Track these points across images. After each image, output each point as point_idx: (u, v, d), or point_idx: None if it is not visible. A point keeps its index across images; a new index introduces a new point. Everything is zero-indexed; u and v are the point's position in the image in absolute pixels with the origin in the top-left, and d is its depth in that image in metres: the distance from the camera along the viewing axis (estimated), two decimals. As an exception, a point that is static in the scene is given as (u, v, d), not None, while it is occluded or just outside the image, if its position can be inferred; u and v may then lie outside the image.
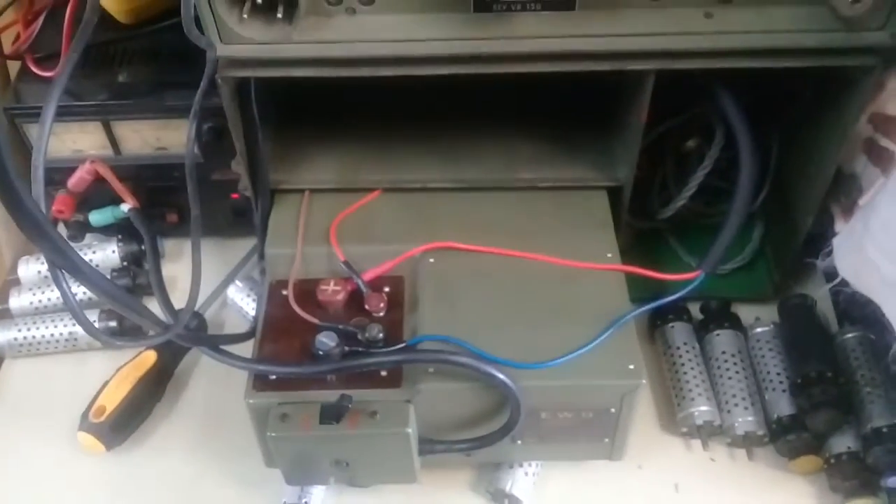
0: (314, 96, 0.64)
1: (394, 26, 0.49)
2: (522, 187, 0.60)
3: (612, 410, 0.51)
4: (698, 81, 0.55)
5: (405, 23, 0.49)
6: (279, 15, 0.48)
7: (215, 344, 0.51)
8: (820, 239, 0.59)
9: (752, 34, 0.49)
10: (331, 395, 0.49)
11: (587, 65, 0.51)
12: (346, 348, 0.50)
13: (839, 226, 0.58)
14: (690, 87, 0.56)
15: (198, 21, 0.48)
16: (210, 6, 0.48)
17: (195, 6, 0.47)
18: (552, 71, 0.51)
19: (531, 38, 0.50)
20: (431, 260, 0.56)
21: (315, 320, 0.52)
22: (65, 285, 0.39)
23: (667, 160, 0.64)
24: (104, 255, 0.69)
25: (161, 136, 0.64)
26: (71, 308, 0.40)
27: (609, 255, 0.56)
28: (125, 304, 0.42)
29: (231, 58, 0.50)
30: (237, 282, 0.68)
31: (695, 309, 0.63)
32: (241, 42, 0.49)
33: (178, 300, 0.59)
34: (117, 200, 0.66)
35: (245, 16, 0.48)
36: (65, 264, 0.37)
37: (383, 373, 0.50)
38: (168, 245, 0.71)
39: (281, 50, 0.50)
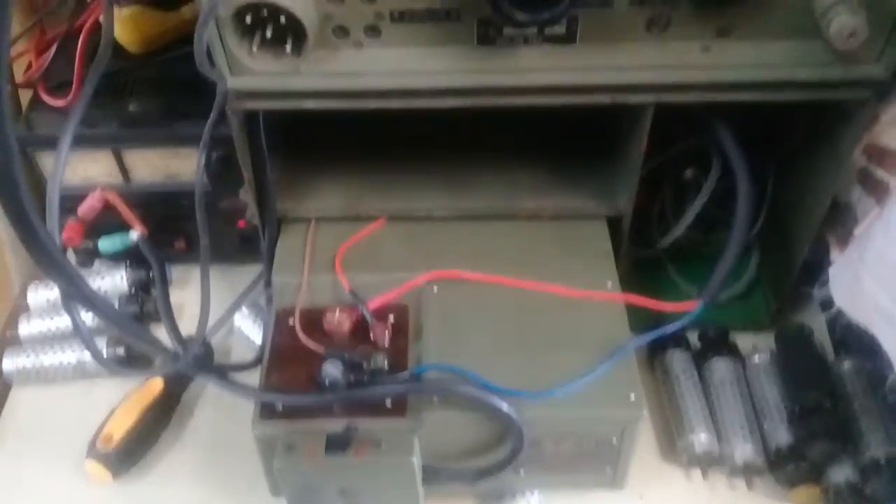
0: (320, 126, 0.65)
1: (399, 59, 0.51)
2: (524, 216, 0.61)
3: (614, 440, 0.51)
4: (695, 113, 0.56)
5: (411, 56, 0.51)
6: (288, 48, 0.49)
7: (223, 373, 0.52)
8: (816, 267, 0.60)
9: (748, 68, 0.50)
10: (336, 424, 0.50)
11: (588, 98, 0.52)
12: (352, 377, 0.51)
13: (835, 255, 0.59)
14: (688, 117, 0.57)
15: (209, 54, 0.50)
16: (221, 40, 0.49)
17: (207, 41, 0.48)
18: (554, 104, 0.52)
19: (533, 71, 0.51)
20: (435, 289, 0.57)
21: (321, 349, 0.53)
22: (78, 318, 0.40)
23: (665, 190, 0.65)
24: (112, 281, 0.70)
25: (170, 165, 0.66)
26: (85, 340, 0.41)
27: (609, 284, 0.57)
28: (138, 336, 0.43)
29: (241, 90, 0.51)
30: (243, 308, 0.68)
31: (693, 336, 0.64)
32: (250, 74, 0.51)
33: (185, 326, 0.60)
34: (126, 227, 0.67)
35: (255, 49, 0.49)
36: (79, 297, 0.38)
37: (388, 402, 0.51)
38: (175, 271, 0.72)
39: (289, 82, 0.51)
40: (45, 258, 0.35)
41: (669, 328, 0.55)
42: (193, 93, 0.64)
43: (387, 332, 0.54)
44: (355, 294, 0.56)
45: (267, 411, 0.51)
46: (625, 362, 0.52)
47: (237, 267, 0.72)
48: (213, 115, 0.52)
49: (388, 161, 0.64)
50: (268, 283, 0.59)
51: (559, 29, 0.50)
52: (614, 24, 0.49)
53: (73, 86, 0.63)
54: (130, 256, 0.70)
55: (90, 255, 0.69)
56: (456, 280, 0.57)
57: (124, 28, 0.65)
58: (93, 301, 0.38)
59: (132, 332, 0.42)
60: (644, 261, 0.67)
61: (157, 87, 0.67)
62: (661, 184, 0.65)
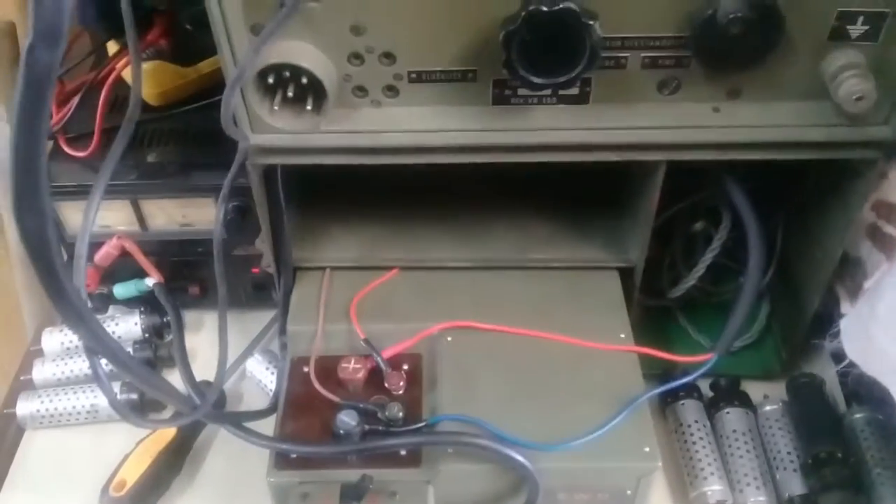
0: (335, 176, 0.66)
1: (416, 117, 0.52)
2: (536, 267, 0.62)
3: (628, 492, 0.52)
4: (706, 168, 0.57)
5: (427, 114, 0.52)
6: (308, 107, 0.51)
7: (238, 422, 0.52)
8: (826, 319, 0.61)
9: (758, 128, 0.51)
10: (351, 474, 0.50)
11: (600, 155, 0.53)
12: (367, 427, 0.51)
13: (845, 307, 0.59)
14: (697, 172, 0.58)
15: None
16: (243, 99, 0.51)
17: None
18: (567, 161, 0.53)
19: (547, 129, 0.52)
20: (449, 338, 0.57)
21: (336, 398, 0.53)
22: (102, 371, 0.41)
23: (675, 241, 0.66)
24: (126, 327, 0.70)
25: (187, 214, 0.67)
26: (107, 393, 0.42)
27: (622, 335, 0.57)
28: (158, 388, 0.43)
29: (261, 146, 0.53)
30: (256, 354, 0.69)
31: (704, 385, 0.64)
32: (271, 132, 0.52)
33: (198, 372, 0.61)
34: (141, 274, 0.68)
35: (276, 107, 0.51)
36: (104, 352, 0.38)
37: (403, 452, 0.52)
38: (188, 316, 0.72)
39: (309, 139, 0.52)
40: (71, 313, 0.36)
41: (683, 380, 0.56)
42: (210, 144, 0.66)
43: (402, 381, 0.54)
44: (370, 343, 0.56)
45: (282, 460, 0.52)
46: (638, 413, 0.52)
47: (249, 313, 0.73)
48: (233, 170, 0.53)
49: (403, 211, 0.65)
50: (282, 331, 0.60)
51: (573, 90, 0.51)
52: (626, 86, 0.50)
53: (95, 137, 0.64)
54: (144, 302, 0.70)
55: (105, 301, 0.70)
56: (470, 330, 0.57)
57: (145, 81, 0.66)
58: (118, 355, 0.39)
59: (154, 385, 0.43)
60: (653, 309, 0.67)
61: (175, 139, 0.68)
62: (670, 234, 0.66)
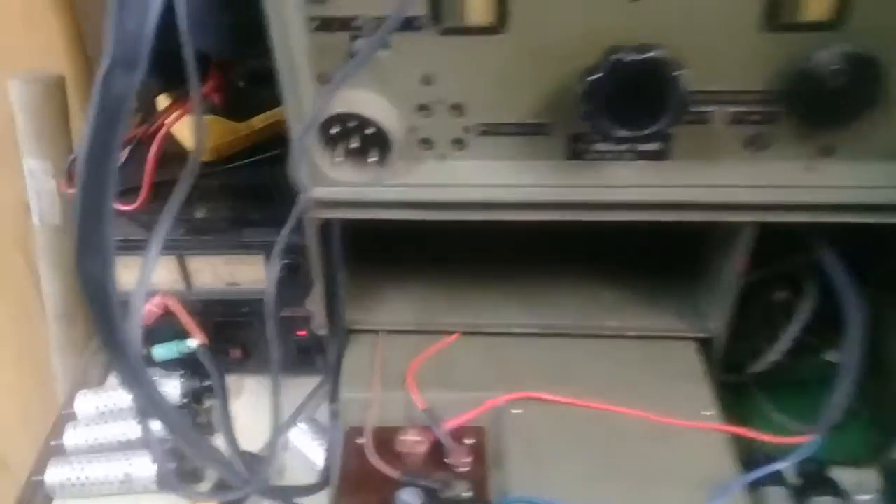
0: (388, 234, 0.63)
1: (484, 172, 0.49)
2: (607, 334, 0.58)
3: (718, 588, 0.46)
4: (791, 232, 0.54)
5: (495, 169, 0.49)
6: (372, 159, 0.48)
7: (289, 497, 0.48)
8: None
9: (854, 189, 0.48)
10: (411, 559, 0.46)
11: (681, 215, 0.50)
12: (429, 507, 0.47)
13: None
14: (780, 235, 0.54)
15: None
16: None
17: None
18: (645, 221, 0.50)
19: (624, 187, 0.49)
20: (516, 411, 0.53)
21: (395, 474, 0.49)
22: (153, 436, 0.37)
23: (752, 310, 0.62)
24: (165, 391, 0.67)
25: (234, 272, 0.64)
26: (158, 458, 0.38)
27: (707, 412, 0.53)
28: (212, 458, 0.39)
29: (321, 199, 0.50)
30: (299, 424, 0.65)
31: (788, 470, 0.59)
32: (332, 185, 0.49)
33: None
34: (182, 334, 0.65)
35: (338, 159, 0.48)
36: (158, 415, 0.35)
37: (468, 536, 0.47)
38: (228, 380, 0.69)
39: (371, 192, 0.50)
40: (127, 370, 0.33)
41: (778, 464, 0.51)
42: (261, 200, 0.64)
43: (467, 457, 0.50)
44: (431, 414, 0.52)
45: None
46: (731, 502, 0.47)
47: (290, 379, 0.69)
48: (290, 224, 0.50)
49: (460, 272, 0.62)
50: (333, 399, 0.56)
51: (652, 145, 0.48)
52: (710, 142, 0.47)
53: (143, 192, 0.62)
54: (184, 365, 0.67)
55: (143, 363, 0.67)
56: (538, 401, 0.53)
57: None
58: (173, 419, 0.35)
59: (208, 455, 0.39)
60: (725, 385, 0.62)
61: (225, 195, 0.66)
62: (744, 302, 0.62)
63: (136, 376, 0.32)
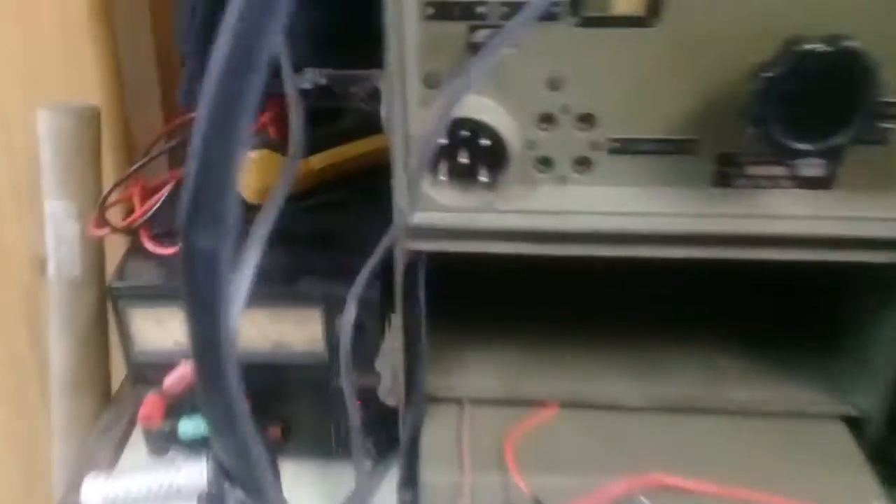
0: (468, 283, 0.54)
1: (610, 199, 0.41)
2: (733, 410, 0.49)
3: None
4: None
5: (623, 195, 0.41)
6: (482, 178, 0.40)
7: None
8: None
9: None
10: None
11: (848, 254, 0.41)
12: None
13: None
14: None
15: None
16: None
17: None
18: (812, 260, 0.41)
19: (780, 217, 0.41)
20: (645, 500, 0.42)
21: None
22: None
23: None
24: (190, 476, 0.55)
25: (283, 330, 0.54)
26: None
27: (874, 502, 0.43)
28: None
29: (417, 226, 0.41)
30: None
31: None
32: (432, 209, 0.41)
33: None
34: (213, 407, 0.54)
35: (442, 178, 0.40)
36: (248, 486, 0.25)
37: None
38: (264, 466, 0.58)
39: (478, 220, 0.41)
40: (226, 421, 0.24)
41: None
42: (316, 248, 0.56)
43: (596, 557, 0.39)
44: (540, 502, 0.42)
45: None
46: None
47: (334, 466, 0.58)
48: (377, 254, 0.41)
49: (550, 328, 0.52)
50: (408, 483, 0.46)
51: (814, 170, 0.40)
52: (886, 167, 0.40)
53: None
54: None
55: (166, 441, 0.56)
56: (669, 489, 0.43)
57: (247, 174, 0.57)
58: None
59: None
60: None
61: (276, 241, 0.57)
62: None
63: (232, 418, 0.23)
